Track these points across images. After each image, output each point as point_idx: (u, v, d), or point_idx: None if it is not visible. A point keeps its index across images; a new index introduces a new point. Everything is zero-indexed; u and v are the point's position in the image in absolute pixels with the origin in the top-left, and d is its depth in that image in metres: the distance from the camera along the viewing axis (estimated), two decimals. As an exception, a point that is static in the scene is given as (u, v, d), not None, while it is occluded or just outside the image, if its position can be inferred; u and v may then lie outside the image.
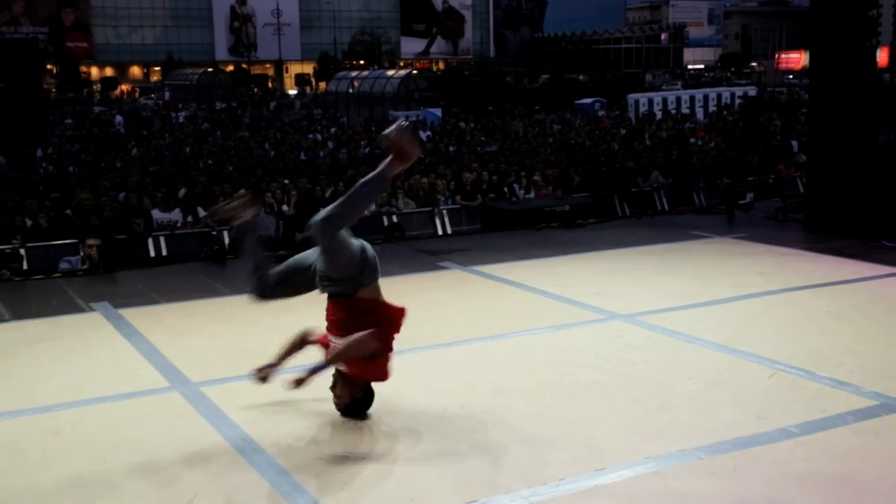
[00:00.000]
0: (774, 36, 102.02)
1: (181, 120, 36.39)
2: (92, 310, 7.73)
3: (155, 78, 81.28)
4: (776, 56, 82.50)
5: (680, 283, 8.17)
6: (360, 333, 4.69)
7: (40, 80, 29.17)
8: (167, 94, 58.41)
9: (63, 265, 10.16)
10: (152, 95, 62.89)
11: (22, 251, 10.40)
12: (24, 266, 10.15)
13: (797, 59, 77.59)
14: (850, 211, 10.28)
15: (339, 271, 4.76)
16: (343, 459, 4.52)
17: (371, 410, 5.12)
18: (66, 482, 4.35)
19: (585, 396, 5.27)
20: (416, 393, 5.48)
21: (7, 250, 10.31)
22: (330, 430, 4.90)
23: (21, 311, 7.76)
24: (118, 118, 37.17)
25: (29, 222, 11.30)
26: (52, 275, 9.56)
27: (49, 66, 67.41)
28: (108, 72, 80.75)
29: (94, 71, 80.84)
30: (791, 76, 72.85)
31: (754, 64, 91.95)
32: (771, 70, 75.75)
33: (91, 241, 9.71)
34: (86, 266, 9.74)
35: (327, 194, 13.14)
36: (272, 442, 4.75)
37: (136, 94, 70.20)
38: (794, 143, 19.37)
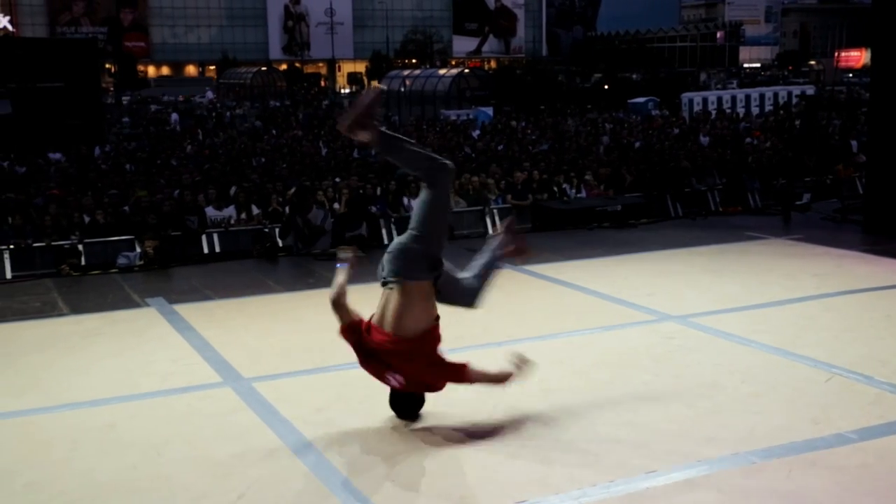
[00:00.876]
0: (834, 34, 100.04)
1: (228, 118, 36.86)
2: (147, 305, 7.86)
3: (210, 76, 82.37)
4: (835, 54, 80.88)
5: (733, 285, 8.05)
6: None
7: (99, 78, 29.77)
8: (209, 94, 59.02)
9: (120, 261, 10.35)
10: (208, 92, 63.74)
11: (80, 247, 10.62)
12: (83, 262, 10.37)
13: (857, 57, 75.96)
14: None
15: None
16: (393, 457, 4.53)
17: (422, 410, 5.13)
18: (121, 474, 4.43)
19: (636, 398, 5.22)
20: (466, 392, 5.46)
21: (66, 246, 10.53)
22: (380, 428, 4.92)
23: (79, 306, 7.93)
24: (174, 116, 37.71)
25: (87, 219, 11.54)
26: (109, 270, 9.75)
27: (108, 66, 68.71)
28: (165, 71, 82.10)
29: (151, 70, 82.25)
30: (851, 75, 71.35)
31: (812, 62, 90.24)
32: (830, 68, 74.25)
33: (149, 243, 9.89)
34: (142, 262, 9.91)
35: (378, 192, 13.20)
36: (323, 438, 4.78)
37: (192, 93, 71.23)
38: (854, 143, 18.97)
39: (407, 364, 4.65)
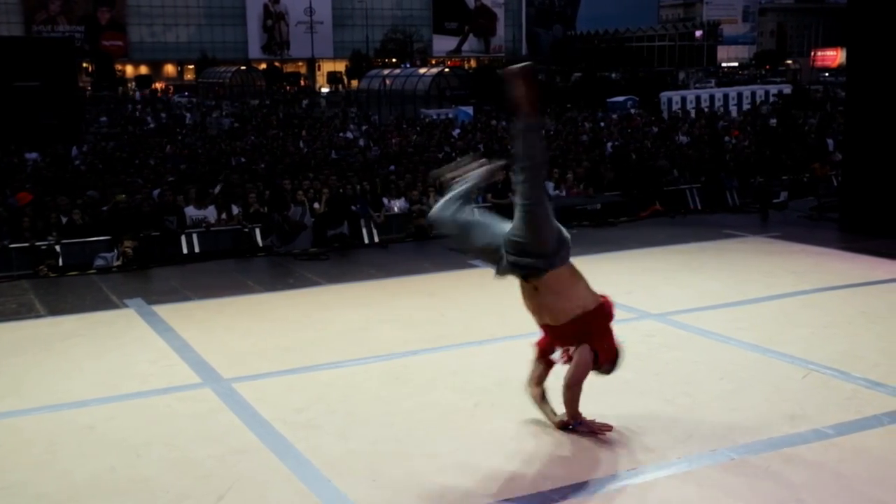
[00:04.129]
0: (810, 33, 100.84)
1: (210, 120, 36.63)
2: (126, 306, 7.82)
3: (189, 76, 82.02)
4: (812, 53, 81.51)
5: (712, 283, 8.10)
6: (572, 370, 4.55)
7: (76, 78, 29.52)
8: (175, 99, 58.48)
9: (98, 262, 10.28)
10: (186, 93, 63.39)
11: (58, 248, 10.53)
12: (60, 262, 10.29)
13: (833, 56, 76.57)
14: (886, 210, 10.14)
15: (539, 246, 4.48)
16: (373, 456, 4.53)
17: (401, 407, 5.14)
18: (99, 476, 4.40)
19: (616, 396, 5.24)
20: (446, 390, 5.48)
21: (43, 247, 10.45)
22: (360, 427, 4.91)
23: (56, 308, 7.87)
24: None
25: (64, 219, 11.45)
26: (87, 271, 9.68)
27: (85, 65, 68.23)
28: (143, 70, 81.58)
29: (129, 69, 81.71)
30: (827, 74, 71.90)
31: (789, 62, 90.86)
32: (806, 68, 74.85)
33: (128, 243, 9.82)
34: (120, 263, 9.85)
35: (357, 191, 13.18)
36: (303, 438, 4.77)
37: (171, 92, 70.83)
38: (830, 142, 19.12)
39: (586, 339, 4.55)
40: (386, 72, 49.58)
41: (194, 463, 4.51)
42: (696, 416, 4.94)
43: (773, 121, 25.15)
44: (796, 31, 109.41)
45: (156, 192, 13.30)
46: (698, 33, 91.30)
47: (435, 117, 32.96)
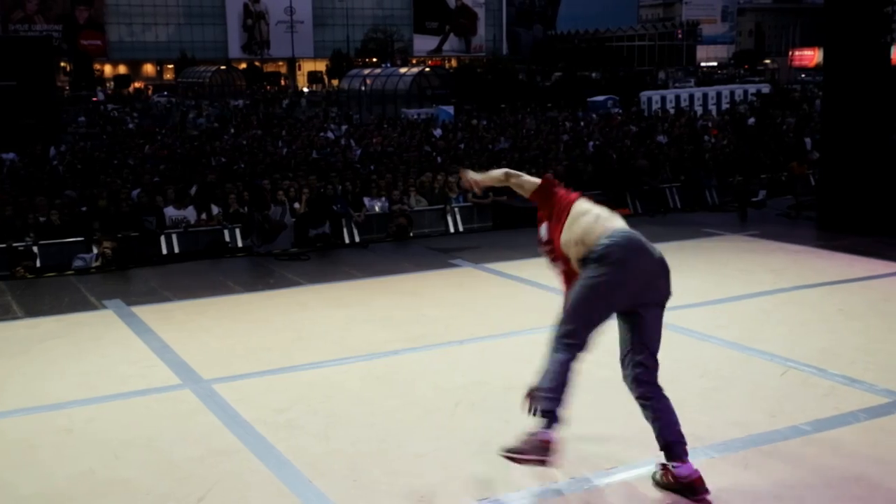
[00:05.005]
0: (788, 33, 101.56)
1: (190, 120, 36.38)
2: (104, 307, 7.77)
3: (168, 76, 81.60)
4: (790, 53, 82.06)
5: (692, 281, 8.14)
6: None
7: (54, 77, 29.31)
8: (155, 98, 58.09)
9: (77, 263, 10.21)
10: (165, 93, 63.06)
11: (35, 249, 10.45)
12: (38, 263, 10.21)
13: (811, 56, 77.07)
14: (863, 208, 10.23)
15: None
16: (354, 456, 4.52)
17: (382, 407, 5.14)
18: (78, 478, 4.37)
19: (596, 394, 5.26)
20: (428, 390, 5.48)
21: (20, 248, 10.36)
22: (341, 427, 4.91)
23: (34, 309, 7.81)
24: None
25: (42, 220, 11.35)
26: (65, 272, 9.61)
27: (63, 64, 67.73)
28: (122, 69, 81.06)
29: (108, 69, 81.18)
30: (804, 74, 72.42)
31: (768, 61, 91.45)
32: (784, 67, 75.36)
33: (106, 244, 9.76)
34: (99, 263, 9.78)
35: (338, 192, 13.16)
36: (283, 439, 4.76)
37: (150, 92, 70.46)
38: (807, 141, 19.28)
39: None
40: (367, 71, 49.51)
41: (174, 464, 4.49)
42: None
43: (752, 120, 25.33)
44: (774, 31, 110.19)
45: (135, 193, 13.23)
46: (678, 33, 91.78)
47: (416, 117, 32.95)
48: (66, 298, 8.18)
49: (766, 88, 39.86)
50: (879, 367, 5.63)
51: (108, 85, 74.10)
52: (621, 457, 4.43)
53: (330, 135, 26.86)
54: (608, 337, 6.41)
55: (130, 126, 32.93)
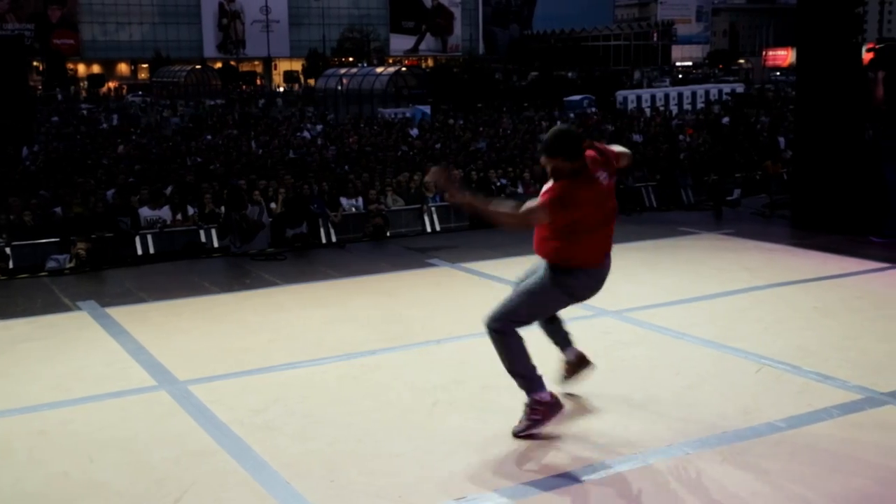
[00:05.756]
0: (762, 33, 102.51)
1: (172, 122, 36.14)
2: (78, 309, 7.70)
3: (143, 75, 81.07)
4: (763, 53, 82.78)
5: (668, 280, 8.20)
6: None
7: (26, 77, 29.00)
8: (129, 98, 57.62)
9: (50, 264, 10.12)
10: (139, 93, 62.62)
11: (8, 250, 10.35)
12: (10, 265, 10.11)
13: (784, 56, 77.84)
14: (836, 207, 10.33)
15: None
16: (331, 457, 4.51)
17: (359, 408, 5.13)
18: (52, 481, 4.33)
19: (573, 392, 5.28)
20: (405, 389, 5.48)
21: (-8, 249, 10.26)
22: (318, 427, 4.89)
23: (6, 311, 7.72)
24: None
25: (13, 219, 11.24)
26: (38, 273, 9.52)
27: (35, 64, 67.09)
28: (96, 69, 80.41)
29: (81, 68, 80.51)
30: (778, 73, 73.06)
31: (742, 61, 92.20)
32: (758, 67, 76.03)
33: (81, 245, 9.68)
34: (73, 264, 9.70)
35: (315, 191, 13.13)
36: (259, 440, 4.74)
37: (124, 91, 69.93)
38: (781, 140, 19.45)
39: None
40: (343, 71, 49.45)
41: (149, 466, 4.46)
42: (652, 412, 5.00)
43: (726, 119, 25.51)
44: (748, 31, 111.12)
45: (110, 193, 13.13)
46: (654, 35, 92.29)
47: (392, 116, 32.93)
48: (39, 300, 8.10)
49: (740, 88, 40.19)
50: (852, 364, 5.69)
51: (81, 84, 73.50)
52: (599, 454, 4.45)
53: (306, 134, 26.80)
54: (587, 335, 6.46)
55: (104, 126, 32.67)
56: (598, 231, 4.71)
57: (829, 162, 10.49)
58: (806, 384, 5.39)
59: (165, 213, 12.07)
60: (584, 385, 5.41)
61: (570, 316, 6.96)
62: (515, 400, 4.89)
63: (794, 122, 13.52)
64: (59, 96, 57.74)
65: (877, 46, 10.74)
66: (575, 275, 4.67)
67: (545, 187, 4.64)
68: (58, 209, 12.10)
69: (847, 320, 6.75)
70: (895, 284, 7.94)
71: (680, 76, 76.61)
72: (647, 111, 33.77)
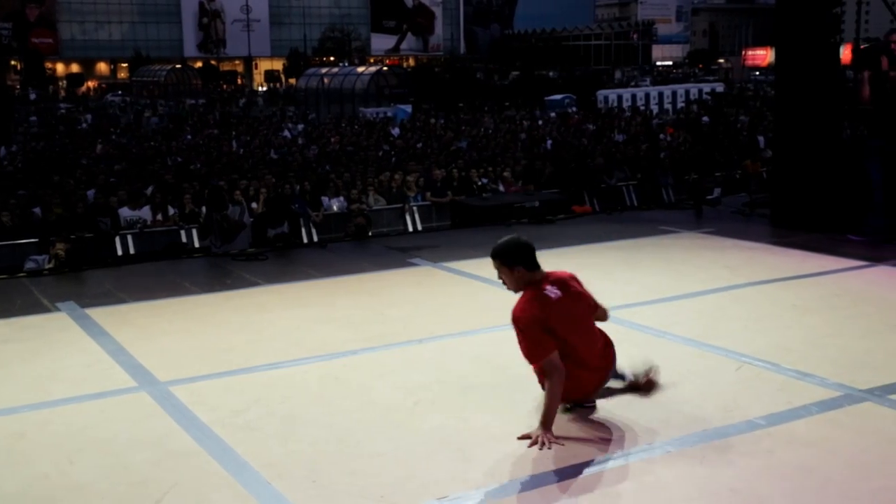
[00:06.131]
0: (741, 33, 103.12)
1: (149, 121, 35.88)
2: (58, 310, 7.64)
3: (122, 74, 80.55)
4: (743, 53, 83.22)
5: (649, 278, 8.23)
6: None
7: (4, 76, 28.78)
8: (109, 98, 57.10)
9: (29, 265, 10.04)
10: (119, 92, 62.20)
11: (-14, 250, 10.26)
12: (-11, 266, 10.02)
13: (763, 55, 78.22)
14: (815, 205, 10.41)
15: None
16: (312, 457, 4.51)
17: (341, 407, 5.12)
18: (31, 483, 4.30)
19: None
20: (386, 389, 5.47)
21: (-29, 250, 10.16)
22: (298, 428, 4.88)
23: (-15, 312, 7.66)
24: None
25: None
26: (16, 274, 9.44)
27: (13, 63, 66.52)
28: (74, 68, 79.80)
29: (60, 67, 79.88)
30: (757, 73, 73.49)
31: (722, 60, 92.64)
32: (738, 66, 76.43)
33: (60, 245, 9.60)
34: (52, 265, 9.63)
35: (297, 191, 13.09)
36: (241, 440, 4.73)
37: (104, 90, 69.45)
38: (761, 139, 19.57)
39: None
40: (324, 70, 49.33)
41: (130, 468, 4.44)
42: (633, 410, 5.02)
43: (706, 119, 25.65)
44: (728, 31, 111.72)
45: (90, 193, 13.04)
46: (635, 35, 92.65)
47: (374, 116, 32.88)
48: (18, 301, 8.03)
49: (720, 87, 40.39)
50: (831, 362, 5.74)
51: (60, 84, 72.94)
52: (581, 453, 4.46)
53: (287, 134, 26.71)
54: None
55: (84, 126, 32.45)
56: (585, 354, 4.72)
57: (808, 161, 10.57)
58: (785, 382, 5.42)
59: (146, 213, 12.00)
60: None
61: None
62: (496, 399, 4.90)
63: (773, 121, 13.60)
64: (33, 96, 57.16)
65: (862, 47, 10.84)
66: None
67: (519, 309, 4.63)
68: (37, 209, 12.01)
69: (826, 318, 6.80)
70: (874, 282, 8.01)
71: (657, 74, 76.89)
72: (628, 110, 33.87)
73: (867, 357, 5.86)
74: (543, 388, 4.63)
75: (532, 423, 4.72)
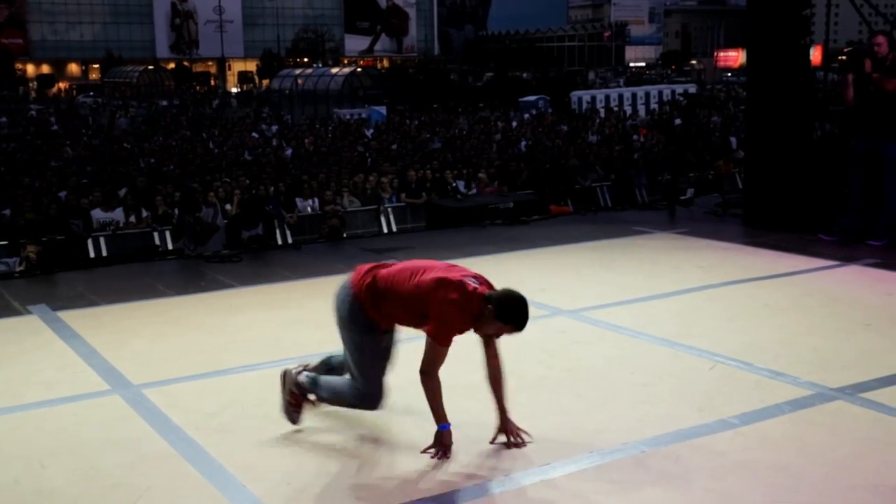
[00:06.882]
0: (713, 34, 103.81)
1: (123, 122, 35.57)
2: (29, 312, 7.56)
3: (94, 76, 79.84)
4: (715, 54, 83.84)
5: (623, 279, 8.27)
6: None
7: (-26, 78, 28.43)
8: (80, 99, 56.37)
9: (-1, 267, 9.94)
10: (91, 94, 61.62)
11: (-45, 253, 10.15)
12: (-42, 269, 9.91)
13: (735, 57, 78.83)
14: (787, 205, 10.50)
15: None
16: (287, 458, 4.49)
17: (318, 410, 5.10)
18: (2, 490, 4.25)
19: (530, 392, 5.31)
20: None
21: (-60, 253, 10.04)
22: (275, 429, 4.86)
23: (-46, 315, 7.56)
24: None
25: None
26: (-14, 277, 9.33)
27: (-18, 64, 65.72)
28: (45, 69, 78.99)
29: (31, 68, 79.04)
30: (729, 74, 74.08)
31: (694, 62, 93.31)
32: (710, 68, 76.97)
33: (31, 248, 9.51)
34: (23, 268, 9.52)
35: (271, 192, 13.05)
36: (216, 443, 4.70)
37: (75, 92, 68.80)
38: (733, 140, 19.74)
39: None
40: (298, 71, 49.17)
41: (102, 472, 4.40)
42: (608, 410, 5.04)
43: (678, 121, 25.81)
44: (700, 33, 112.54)
45: (63, 194, 12.93)
46: (606, 34, 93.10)
47: (348, 117, 32.81)
48: (-12, 304, 7.94)
49: (692, 88, 40.66)
50: (802, 361, 5.79)
51: (31, 85, 72.17)
52: (555, 452, 4.47)
53: (255, 135, 26.59)
54: (543, 334, 6.48)
55: (55, 127, 32.13)
56: None
57: (780, 161, 10.67)
58: (758, 381, 5.47)
59: (118, 214, 11.92)
60: (540, 384, 5.44)
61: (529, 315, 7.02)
62: (475, 401, 4.91)
63: (744, 121, 13.72)
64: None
65: (846, 50, 10.97)
66: None
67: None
68: (6, 211, 11.88)
69: (797, 318, 6.87)
70: (844, 282, 8.10)
71: (630, 75, 77.27)
72: (602, 111, 34.02)
73: (839, 356, 5.93)
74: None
75: (519, 422, 4.73)
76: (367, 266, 4.74)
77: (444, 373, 5.26)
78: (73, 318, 7.34)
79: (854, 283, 8.06)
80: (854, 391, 5.25)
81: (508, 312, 4.42)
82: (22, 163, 18.39)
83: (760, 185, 10.98)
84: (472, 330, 4.55)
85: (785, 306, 7.21)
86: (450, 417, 4.60)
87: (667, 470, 4.28)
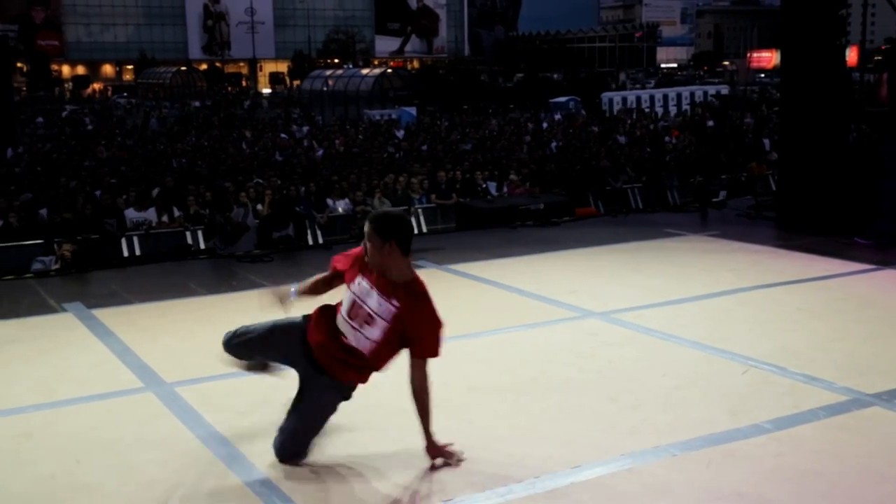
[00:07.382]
0: (746, 35, 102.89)
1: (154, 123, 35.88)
2: (64, 310, 7.65)
3: (128, 76, 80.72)
4: (748, 55, 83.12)
5: (654, 281, 8.22)
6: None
7: (10, 78, 28.87)
8: (115, 99, 56.90)
9: (36, 265, 10.06)
10: (125, 94, 62.31)
11: (-8, 251, 10.29)
12: (-5, 267, 10.04)
13: (769, 57, 78.18)
14: (821, 208, 10.39)
15: None
16: (318, 459, 4.50)
17: (347, 410, 5.11)
18: (37, 484, 4.31)
19: (560, 394, 5.29)
20: (390, 391, 5.46)
21: (-23, 251, 10.19)
22: (305, 429, 4.87)
23: (-9, 313, 7.67)
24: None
25: (0, 222, 11.18)
26: (23, 275, 9.46)
27: (19, 65, 66.68)
28: (80, 70, 79.99)
29: (66, 69, 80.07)
30: (763, 75, 73.44)
31: (726, 63, 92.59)
32: (743, 69, 76.30)
33: (66, 246, 9.63)
34: (58, 266, 9.65)
35: (301, 193, 13.11)
36: (247, 443, 4.73)
37: (109, 93, 69.59)
38: (766, 142, 19.55)
39: None
40: (328, 72, 49.36)
41: (137, 469, 4.44)
42: (639, 413, 5.01)
43: (711, 122, 25.62)
44: (733, 33, 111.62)
45: (99, 193, 13.08)
46: (638, 35, 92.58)
47: (378, 118, 32.89)
48: (24, 301, 8.05)
49: (725, 89, 40.33)
50: (837, 365, 5.73)
51: (66, 86, 73.11)
52: (586, 454, 4.45)
53: (284, 136, 26.73)
54: (574, 336, 6.46)
55: (89, 127, 32.51)
56: None
57: (814, 163, 10.56)
58: (792, 385, 5.41)
59: (151, 214, 12.03)
60: (571, 386, 5.42)
61: (557, 317, 7.01)
62: (502, 401, 4.90)
63: (778, 123, 13.58)
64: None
65: (883, 48, 10.86)
66: None
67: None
68: (43, 211, 12.04)
69: (832, 322, 6.79)
70: (880, 286, 7.99)
71: (661, 76, 76.80)
72: (633, 113, 33.84)
73: (874, 361, 5.85)
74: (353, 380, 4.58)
75: (539, 426, 4.72)
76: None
77: (472, 373, 5.26)
78: (107, 315, 7.43)
79: (890, 287, 7.96)
80: (891, 397, 5.17)
81: (387, 228, 4.32)
82: (58, 163, 18.62)
83: (794, 188, 10.88)
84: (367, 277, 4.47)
85: (819, 310, 7.13)
86: (479, 418, 4.60)
87: (698, 475, 4.25)
